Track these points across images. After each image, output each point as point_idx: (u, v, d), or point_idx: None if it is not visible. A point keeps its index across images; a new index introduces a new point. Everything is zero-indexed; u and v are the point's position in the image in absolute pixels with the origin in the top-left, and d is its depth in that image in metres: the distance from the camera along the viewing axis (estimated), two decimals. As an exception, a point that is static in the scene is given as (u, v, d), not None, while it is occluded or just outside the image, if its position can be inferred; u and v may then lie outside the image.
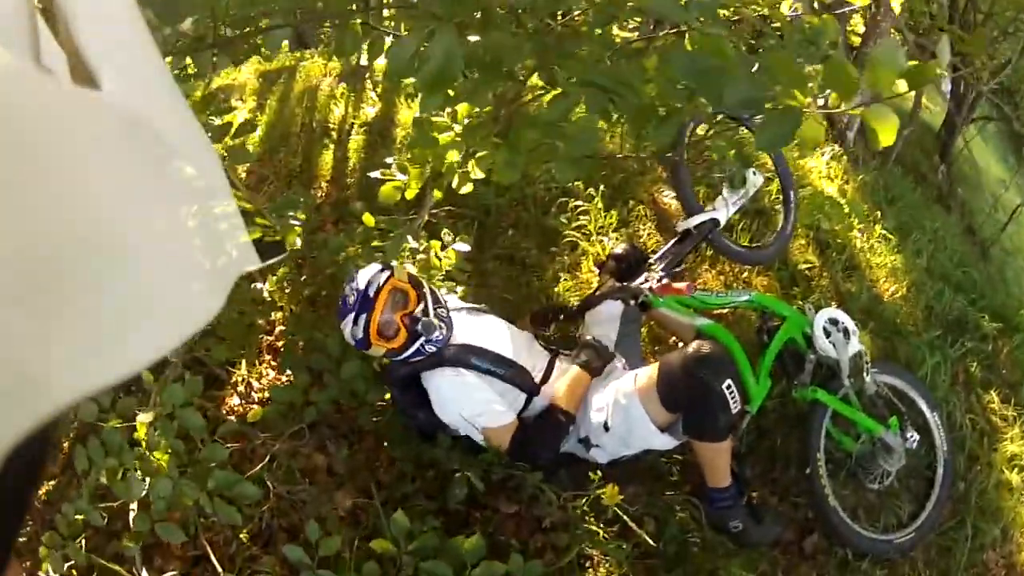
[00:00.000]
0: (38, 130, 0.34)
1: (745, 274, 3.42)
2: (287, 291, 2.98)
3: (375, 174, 2.46)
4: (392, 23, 1.84)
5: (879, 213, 4.31)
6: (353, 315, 2.31)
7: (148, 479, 1.83)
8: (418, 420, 2.48)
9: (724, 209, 2.98)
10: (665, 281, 2.67)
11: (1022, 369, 4.02)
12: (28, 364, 0.31)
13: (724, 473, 2.45)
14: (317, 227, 3.32)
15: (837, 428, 2.82)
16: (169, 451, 1.86)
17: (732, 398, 2.27)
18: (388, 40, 1.76)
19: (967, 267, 4.81)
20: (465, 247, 2.82)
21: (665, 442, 2.38)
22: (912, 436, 2.85)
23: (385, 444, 2.52)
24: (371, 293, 2.30)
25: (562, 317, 2.76)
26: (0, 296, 0.30)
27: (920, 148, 6.81)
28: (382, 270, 2.39)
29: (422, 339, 2.33)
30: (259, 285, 2.86)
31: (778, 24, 1.92)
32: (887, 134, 1.39)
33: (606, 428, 2.40)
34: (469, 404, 2.32)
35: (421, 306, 2.36)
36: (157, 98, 0.49)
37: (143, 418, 1.90)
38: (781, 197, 3.35)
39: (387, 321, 2.32)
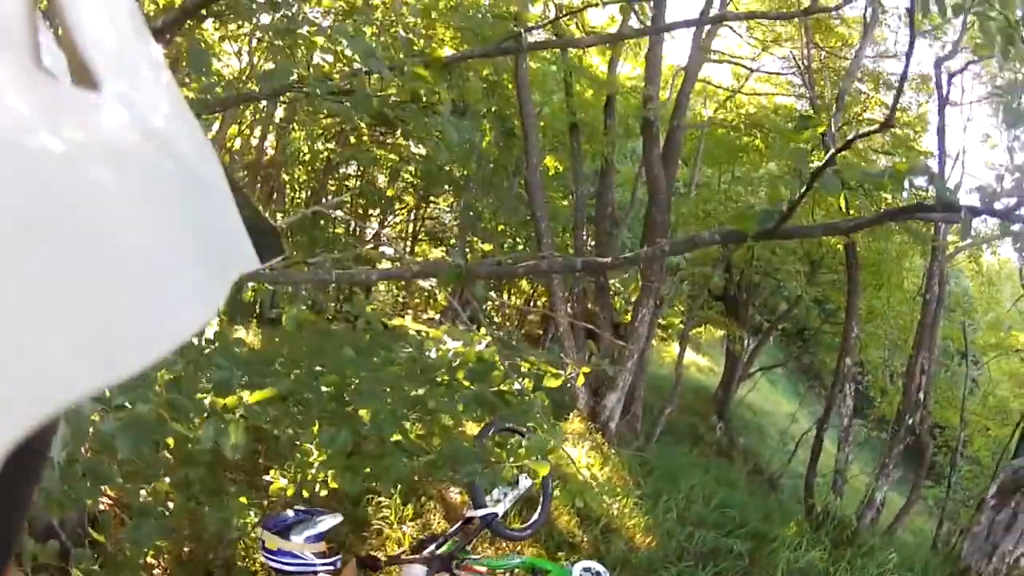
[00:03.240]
0: (37, 131, 0.35)
1: (519, 547, 4.72)
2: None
3: (268, 477, 3.63)
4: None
5: (636, 484, 5.78)
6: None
7: None
8: None
9: (502, 504, 4.32)
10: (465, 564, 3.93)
11: (775, 565, 5.34)
12: (27, 364, 0.32)
13: None
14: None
15: None
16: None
17: None
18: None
19: (728, 508, 6.27)
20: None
21: None
22: None
23: None
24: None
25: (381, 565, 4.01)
26: None
27: (695, 412, 8.48)
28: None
29: None
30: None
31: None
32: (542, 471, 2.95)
33: None
34: None
35: None
36: (157, 98, 0.49)
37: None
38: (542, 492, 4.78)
39: None
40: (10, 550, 0.42)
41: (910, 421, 7.09)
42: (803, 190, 2.53)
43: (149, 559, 3.67)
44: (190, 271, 0.43)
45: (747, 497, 7.50)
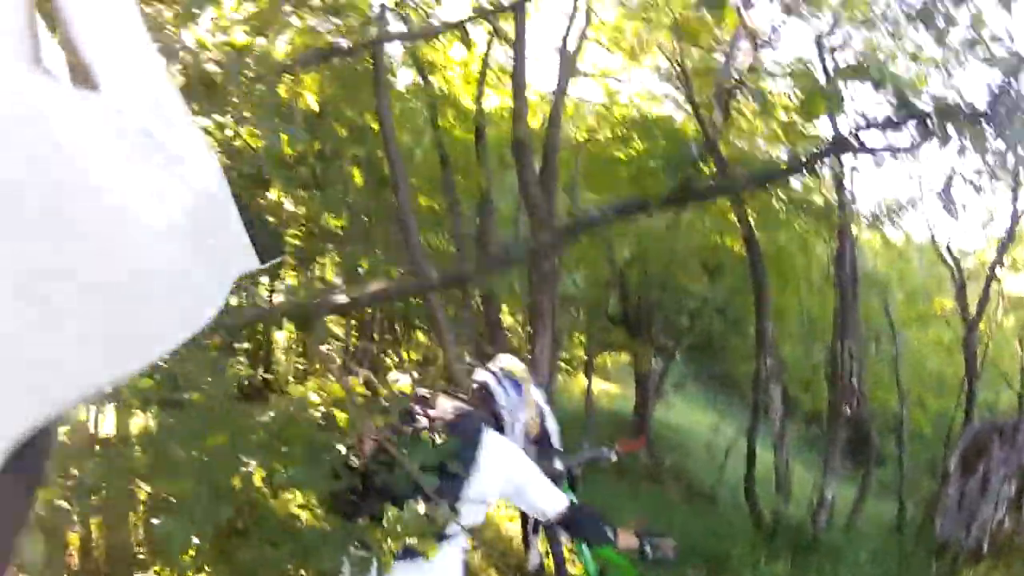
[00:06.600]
0: (36, 132, 0.35)
1: None
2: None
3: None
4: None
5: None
6: None
7: None
8: None
9: None
10: None
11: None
12: (31, 363, 0.32)
13: None
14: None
15: None
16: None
17: None
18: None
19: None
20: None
21: None
22: None
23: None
24: None
25: None
26: (2, 295, 0.31)
27: (614, 441, 7.97)
28: None
29: None
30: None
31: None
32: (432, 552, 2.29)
33: None
34: None
35: None
36: (156, 99, 0.50)
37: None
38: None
39: None
40: (11, 549, 0.41)
41: (848, 411, 6.76)
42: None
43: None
44: (191, 269, 0.44)
45: (687, 517, 7.08)
